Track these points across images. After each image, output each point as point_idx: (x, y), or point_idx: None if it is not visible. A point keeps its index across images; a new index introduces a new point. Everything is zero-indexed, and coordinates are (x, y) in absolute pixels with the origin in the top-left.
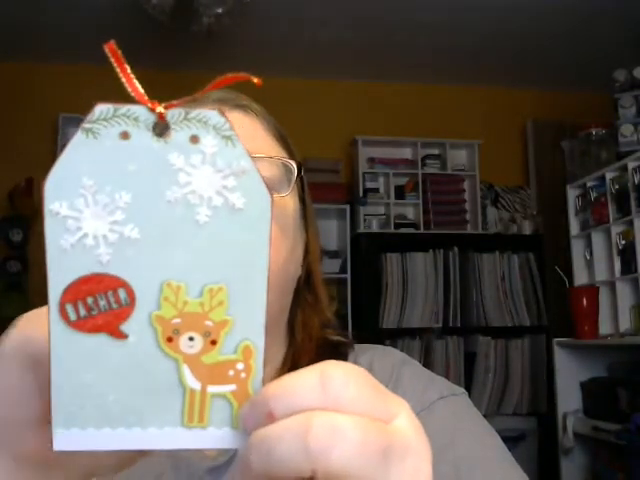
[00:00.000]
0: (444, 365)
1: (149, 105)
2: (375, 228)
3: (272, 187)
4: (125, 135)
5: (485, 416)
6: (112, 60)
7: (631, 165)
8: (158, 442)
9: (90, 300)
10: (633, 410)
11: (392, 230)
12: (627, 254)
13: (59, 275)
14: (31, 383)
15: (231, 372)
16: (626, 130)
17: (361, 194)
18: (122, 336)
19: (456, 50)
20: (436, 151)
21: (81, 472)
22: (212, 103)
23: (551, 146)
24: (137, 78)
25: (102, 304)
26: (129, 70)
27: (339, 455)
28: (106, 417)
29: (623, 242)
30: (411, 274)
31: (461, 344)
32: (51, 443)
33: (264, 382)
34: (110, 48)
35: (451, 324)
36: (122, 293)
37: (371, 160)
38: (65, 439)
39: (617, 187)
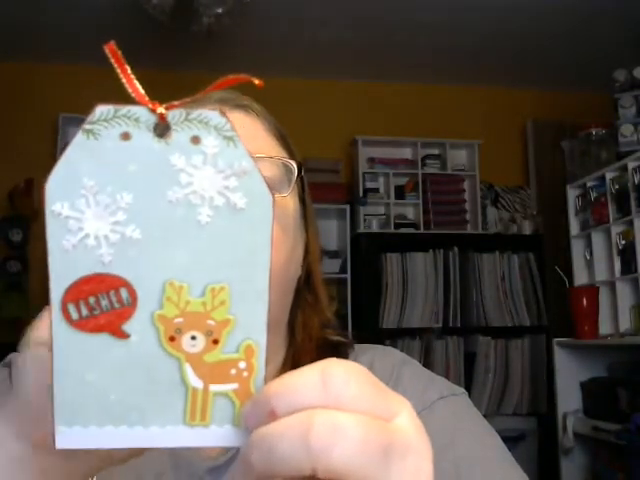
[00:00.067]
0: (444, 365)
1: (150, 106)
2: (375, 228)
3: (272, 187)
4: (126, 136)
5: (485, 416)
6: (112, 61)
7: (631, 165)
8: (160, 440)
9: (92, 300)
10: (633, 410)
11: (392, 230)
12: (627, 254)
13: (61, 275)
14: None
15: (233, 371)
16: (626, 130)
17: (361, 194)
18: (124, 335)
19: (456, 50)
20: (436, 151)
21: (98, 459)
22: (213, 103)
23: (551, 146)
24: (137, 78)
25: (104, 304)
26: (129, 71)
27: (340, 453)
28: (108, 415)
29: (623, 242)
30: (411, 274)
31: (461, 344)
32: (53, 441)
33: (266, 381)
34: (110, 49)
35: (451, 324)
36: (124, 293)
37: (371, 160)
38: (67, 437)
39: (617, 187)
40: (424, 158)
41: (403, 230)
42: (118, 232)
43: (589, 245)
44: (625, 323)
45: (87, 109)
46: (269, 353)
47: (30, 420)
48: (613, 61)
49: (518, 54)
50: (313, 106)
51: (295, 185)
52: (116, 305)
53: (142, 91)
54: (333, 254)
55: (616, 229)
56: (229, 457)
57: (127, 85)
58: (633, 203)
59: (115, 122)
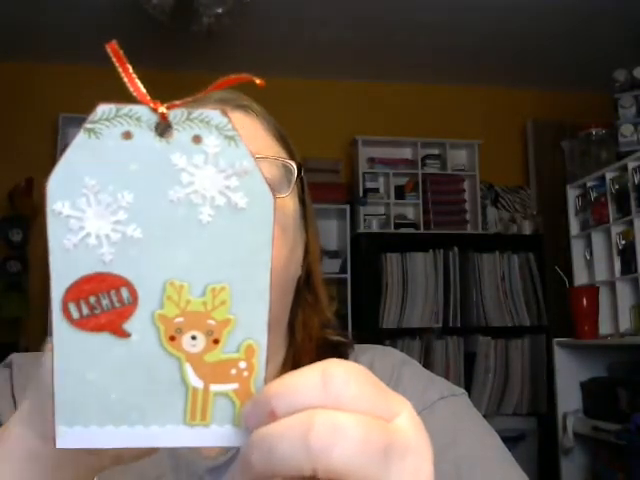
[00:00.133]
0: (444, 365)
1: (151, 105)
2: (375, 228)
3: (272, 187)
4: (127, 135)
5: (485, 416)
6: (114, 60)
7: (631, 165)
8: (160, 440)
9: (93, 299)
10: (633, 410)
11: (392, 230)
12: (627, 254)
13: (62, 274)
14: None
15: (233, 371)
16: (626, 130)
17: (361, 194)
18: (125, 335)
19: (456, 50)
20: (436, 151)
21: (109, 455)
22: (213, 103)
23: (551, 146)
24: (137, 78)
25: (105, 303)
26: (131, 70)
27: (340, 453)
28: (109, 415)
29: (623, 242)
30: (411, 274)
31: (461, 344)
32: (54, 440)
33: (266, 381)
34: (112, 48)
35: (451, 324)
36: (125, 292)
37: (371, 160)
38: (68, 436)
39: (617, 187)
40: (424, 158)
41: (403, 230)
42: (119, 231)
43: (589, 245)
44: (625, 323)
45: (87, 109)
46: (269, 353)
47: (41, 412)
48: (613, 61)
49: (518, 54)
50: (313, 106)
51: (295, 185)
52: (117, 304)
53: (144, 90)
54: (333, 254)
55: (616, 229)
56: (229, 457)
57: (129, 84)
58: (633, 203)
59: (117, 121)
